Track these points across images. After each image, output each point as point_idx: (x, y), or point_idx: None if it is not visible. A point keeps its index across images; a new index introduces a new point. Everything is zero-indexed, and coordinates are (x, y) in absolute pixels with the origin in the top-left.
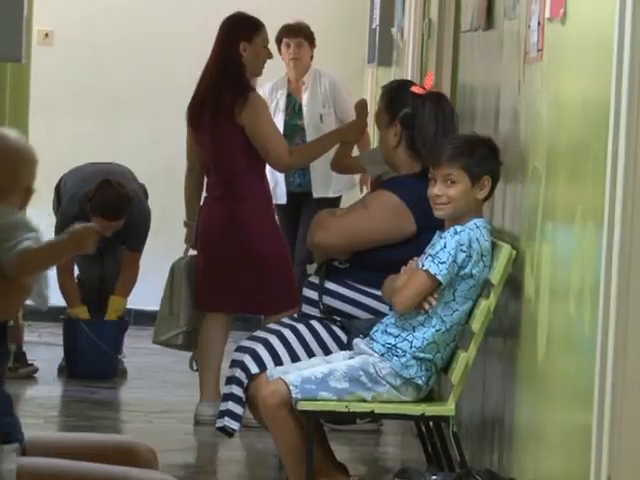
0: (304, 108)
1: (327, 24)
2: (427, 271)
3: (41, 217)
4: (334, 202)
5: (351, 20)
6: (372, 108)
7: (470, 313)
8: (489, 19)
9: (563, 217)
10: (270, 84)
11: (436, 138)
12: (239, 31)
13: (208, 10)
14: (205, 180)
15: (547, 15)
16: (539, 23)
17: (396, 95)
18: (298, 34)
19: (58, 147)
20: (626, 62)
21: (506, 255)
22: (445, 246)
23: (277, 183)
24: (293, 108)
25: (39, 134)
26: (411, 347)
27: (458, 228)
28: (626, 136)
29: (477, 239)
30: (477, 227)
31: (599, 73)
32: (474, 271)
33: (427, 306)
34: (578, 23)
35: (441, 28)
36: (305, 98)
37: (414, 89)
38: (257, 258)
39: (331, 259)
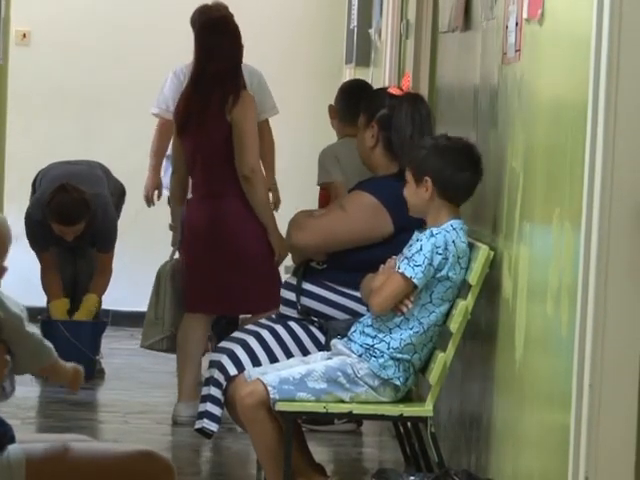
0: None
1: (305, 24)
2: (403, 274)
3: (19, 216)
4: None
5: (329, 20)
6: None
7: (447, 314)
8: (467, 20)
9: (541, 218)
10: (185, 66)
11: (412, 139)
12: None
13: (187, 10)
14: (190, 181)
15: (525, 16)
16: (517, 24)
17: (373, 96)
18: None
19: (35, 147)
20: (603, 62)
21: (484, 256)
22: (421, 249)
23: None
24: None
25: (16, 134)
26: (388, 348)
27: (434, 230)
28: (603, 136)
29: (453, 241)
30: (453, 229)
31: (577, 73)
32: (450, 273)
33: (404, 309)
34: (556, 24)
35: (419, 29)
36: None
37: (391, 90)
38: (243, 257)
39: (308, 260)
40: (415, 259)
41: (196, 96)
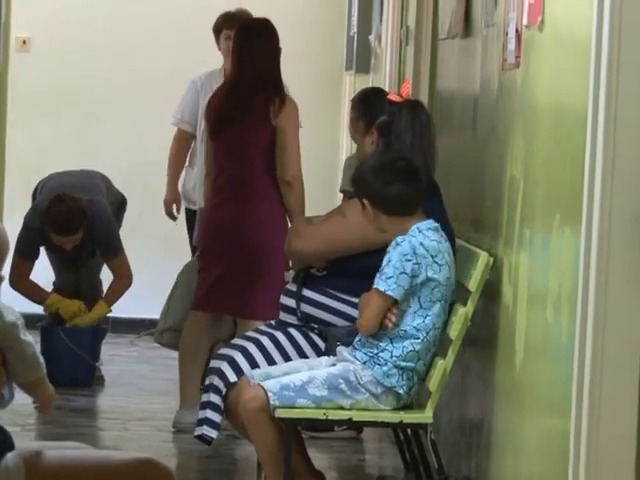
0: None
1: (305, 31)
2: (377, 290)
3: (19, 222)
4: None
5: (329, 27)
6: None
7: (444, 315)
8: (467, 26)
9: (541, 224)
10: (204, 74)
11: (413, 146)
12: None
13: (187, 15)
14: (213, 183)
15: (525, 22)
16: (517, 30)
17: (372, 103)
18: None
19: (36, 153)
20: (603, 69)
21: (484, 262)
22: (390, 260)
23: (197, 184)
24: None
25: (17, 141)
26: (392, 357)
27: (399, 239)
28: (603, 143)
29: (421, 243)
30: (419, 231)
31: (577, 80)
32: (430, 274)
33: (388, 323)
34: (555, 30)
35: (419, 35)
36: None
37: (391, 96)
38: (259, 262)
39: (308, 266)
40: (385, 272)
41: (235, 100)
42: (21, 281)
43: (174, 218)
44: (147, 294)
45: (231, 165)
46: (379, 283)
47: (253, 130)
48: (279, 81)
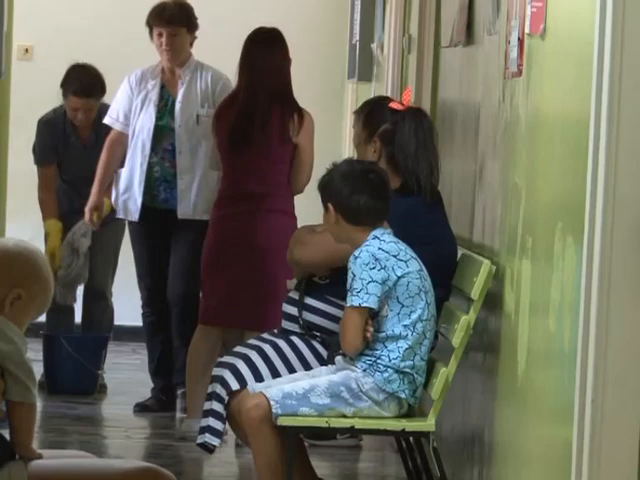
0: (177, 105)
1: (307, 39)
2: (352, 306)
3: (20, 235)
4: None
5: (331, 35)
6: (351, 123)
7: (429, 305)
8: (469, 35)
9: (543, 232)
10: (139, 71)
11: (416, 154)
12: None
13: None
14: (225, 193)
15: (527, 31)
16: (519, 39)
17: (374, 111)
18: (171, 22)
19: None
20: (606, 77)
21: (486, 270)
22: (354, 275)
23: (131, 196)
24: (166, 103)
25: (19, 150)
26: (390, 360)
27: (356, 253)
28: (606, 151)
29: (379, 248)
30: (374, 237)
31: (579, 88)
32: (399, 273)
33: (368, 335)
34: (558, 38)
35: (421, 44)
36: (180, 94)
37: (393, 105)
38: (267, 274)
39: (311, 275)
40: (354, 287)
41: (252, 116)
42: (47, 190)
43: (92, 227)
44: None
45: (248, 180)
46: (352, 299)
47: (274, 148)
48: (292, 93)
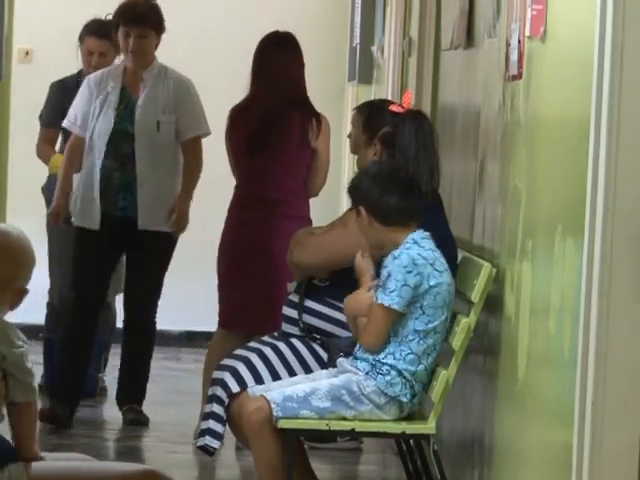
0: (137, 110)
1: (307, 42)
2: (382, 305)
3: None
4: (168, 238)
5: (331, 38)
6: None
7: (447, 321)
8: (469, 37)
9: (543, 235)
10: (99, 73)
11: (417, 157)
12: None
13: (190, 27)
14: (240, 200)
15: (527, 33)
16: (519, 41)
17: (374, 114)
18: (142, 22)
19: (38, 166)
20: (606, 79)
21: (486, 273)
22: (390, 274)
23: (92, 202)
24: (126, 107)
25: (19, 153)
26: (394, 358)
27: (395, 252)
28: (606, 153)
29: (418, 254)
30: (414, 242)
31: (579, 91)
32: (432, 283)
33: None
34: (558, 41)
35: (421, 46)
36: (141, 98)
37: (393, 107)
38: (282, 278)
39: (311, 277)
40: (388, 286)
41: (271, 121)
42: (43, 147)
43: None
44: None
45: (265, 186)
46: (383, 298)
47: (292, 154)
48: (308, 98)
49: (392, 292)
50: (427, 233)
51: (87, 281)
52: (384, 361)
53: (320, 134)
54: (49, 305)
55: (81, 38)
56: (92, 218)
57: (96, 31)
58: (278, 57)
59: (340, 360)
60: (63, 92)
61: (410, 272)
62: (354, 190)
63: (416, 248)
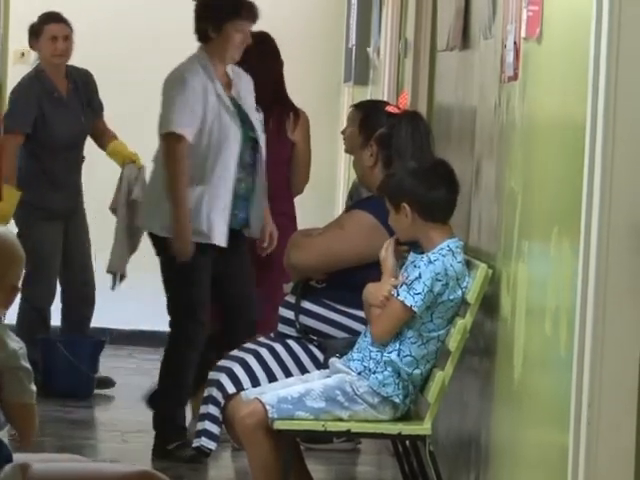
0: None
1: (303, 43)
2: (403, 303)
3: None
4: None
5: (328, 39)
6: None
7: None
8: (465, 39)
9: (539, 236)
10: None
11: (414, 158)
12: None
13: (186, 29)
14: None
15: (523, 35)
16: (515, 43)
17: (370, 114)
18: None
19: None
20: (602, 81)
21: (482, 274)
22: (420, 276)
23: (214, 220)
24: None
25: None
26: (390, 352)
27: (432, 257)
28: (602, 155)
29: (451, 265)
30: (450, 250)
31: (575, 92)
32: (451, 297)
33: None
34: (554, 43)
35: (417, 48)
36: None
37: (389, 108)
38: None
39: (307, 278)
40: (415, 287)
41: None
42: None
43: None
44: (146, 306)
45: None
46: (407, 297)
47: (272, 150)
48: (287, 94)
49: (418, 294)
50: (462, 242)
51: (205, 302)
52: (386, 355)
53: (297, 127)
54: (32, 307)
55: (37, 32)
56: (222, 233)
57: (53, 17)
58: (254, 58)
59: (332, 360)
60: (30, 90)
61: (439, 281)
62: (395, 187)
63: (450, 257)
